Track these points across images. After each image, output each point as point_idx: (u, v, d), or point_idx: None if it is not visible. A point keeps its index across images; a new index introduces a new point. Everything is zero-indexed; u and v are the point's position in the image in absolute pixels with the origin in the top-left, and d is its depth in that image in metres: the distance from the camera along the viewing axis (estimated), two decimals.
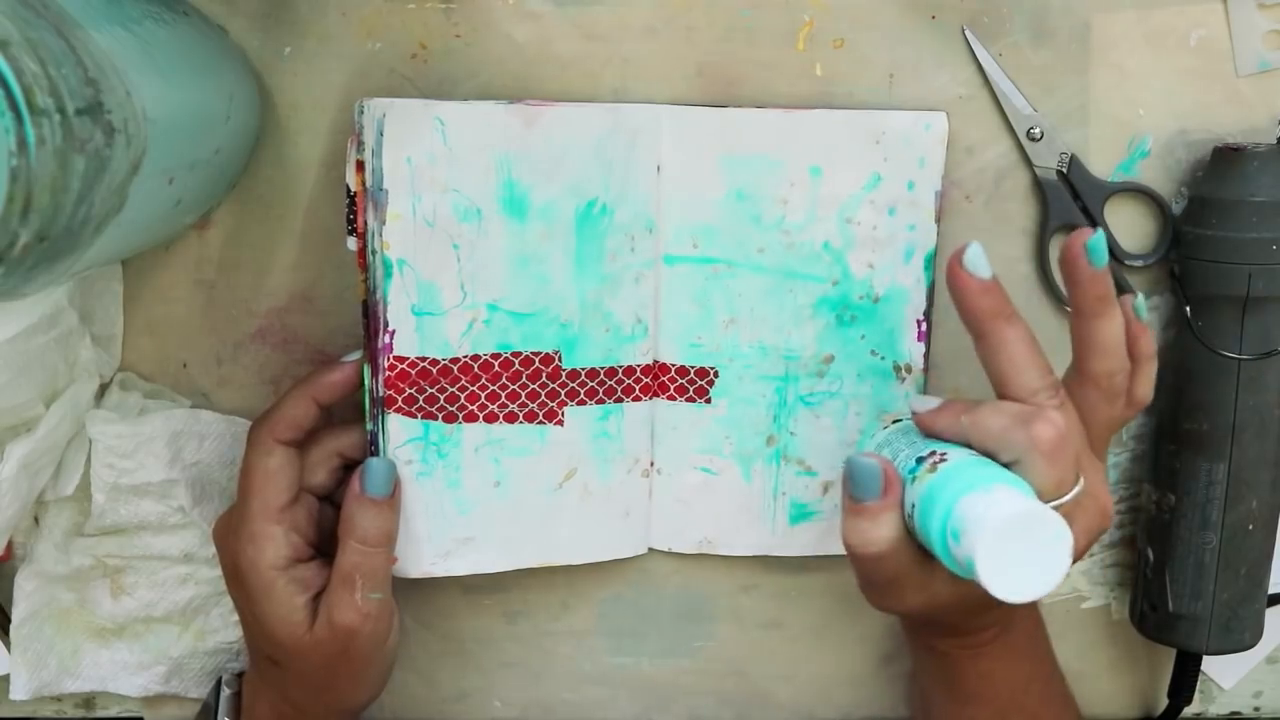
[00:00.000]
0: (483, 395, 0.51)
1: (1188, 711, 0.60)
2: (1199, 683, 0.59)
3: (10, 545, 0.55)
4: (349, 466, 0.52)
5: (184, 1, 0.48)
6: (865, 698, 0.61)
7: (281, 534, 0.48)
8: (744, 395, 0.54)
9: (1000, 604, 0.39)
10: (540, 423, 0.52)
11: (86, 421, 0.52)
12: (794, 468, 0.55)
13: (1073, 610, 0.60)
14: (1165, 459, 0.54)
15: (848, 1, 0.52)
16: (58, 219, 0.33)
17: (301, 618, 0.48)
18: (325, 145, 0.52)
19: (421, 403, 0.50)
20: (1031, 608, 0.53)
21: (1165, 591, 0.54)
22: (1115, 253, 0.54)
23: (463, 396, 0.50)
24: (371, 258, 0.48)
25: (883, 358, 0.54)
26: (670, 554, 0.57)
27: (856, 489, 0.44)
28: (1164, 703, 0.59)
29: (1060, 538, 0.39)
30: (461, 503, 0.51)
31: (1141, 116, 0.54)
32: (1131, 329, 0.46)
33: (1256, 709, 0.62)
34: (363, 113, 0.47)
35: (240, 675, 0.55)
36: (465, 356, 0.50)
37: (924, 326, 0.54)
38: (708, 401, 0.54)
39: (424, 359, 0.49)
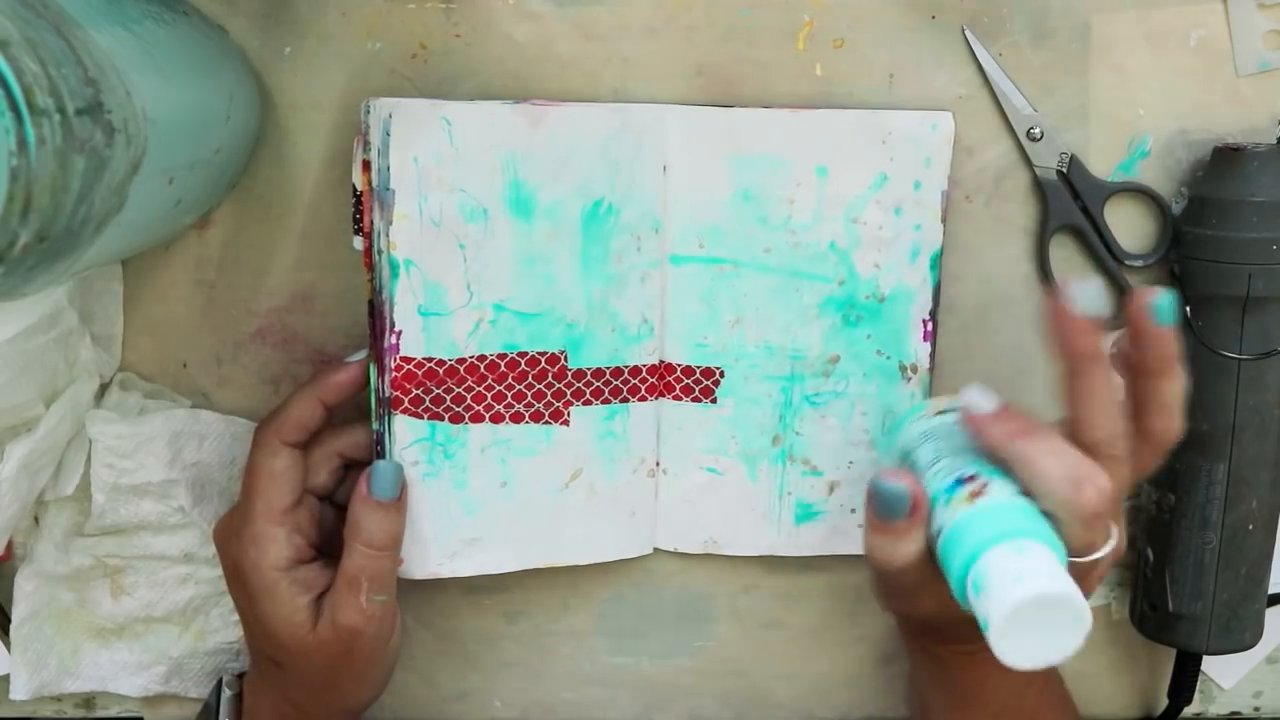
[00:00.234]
0: (489, 395, 0.51)
1: (1188, 711, 0.60)
2: (1199, 683, 0.59)
3: (10, 545, 0.55)
4: (349, 466, 0.52)
5: (184, 1, 0.48)
6: (865, 698, 0.61)
7: (284, 535, 0.48)
8: (750, 395, 0.54)
9: None
10: (546, 423, 0.52)
11: (86, 421, 0.52)
12: (800, 468, 0.55)
13: None
14: (1165, 459, 0.54)
15: (848, 1, 0.52)
16: (58, 219, 0.33)
17: (304, 618, 0.48)
18: (325, 145, 0.52)
19: (428, 403, 0.50)
20: None
21: (1165, 591, 0.54)
22: (1115, 253, 0.54)
23: (469, 397, 0.50)
24: (378, 257, 0.48)
25: (888, 358, 0.54)
26: (670, 554, 0.57)
27: (881, 510, 0.43)
28: (1164, 703, 0.59)
29: (1079, 619, 0.37)
30: (468, 503, 0.51)
31: (1141, 116, 0.54)
32: (1152, 336, 0.43)
33: (1256, 709, 0.62)
34: (369, 112, 0.47)
35: (241, 676, 0.55)
36: (471, 357, 0.50)
37: (930, 326, 0.54)
38: (713, 401, 0.54)
39: (430, 359, 0.49)
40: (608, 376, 0.52)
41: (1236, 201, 0.50)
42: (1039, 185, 0.54)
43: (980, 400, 0.43)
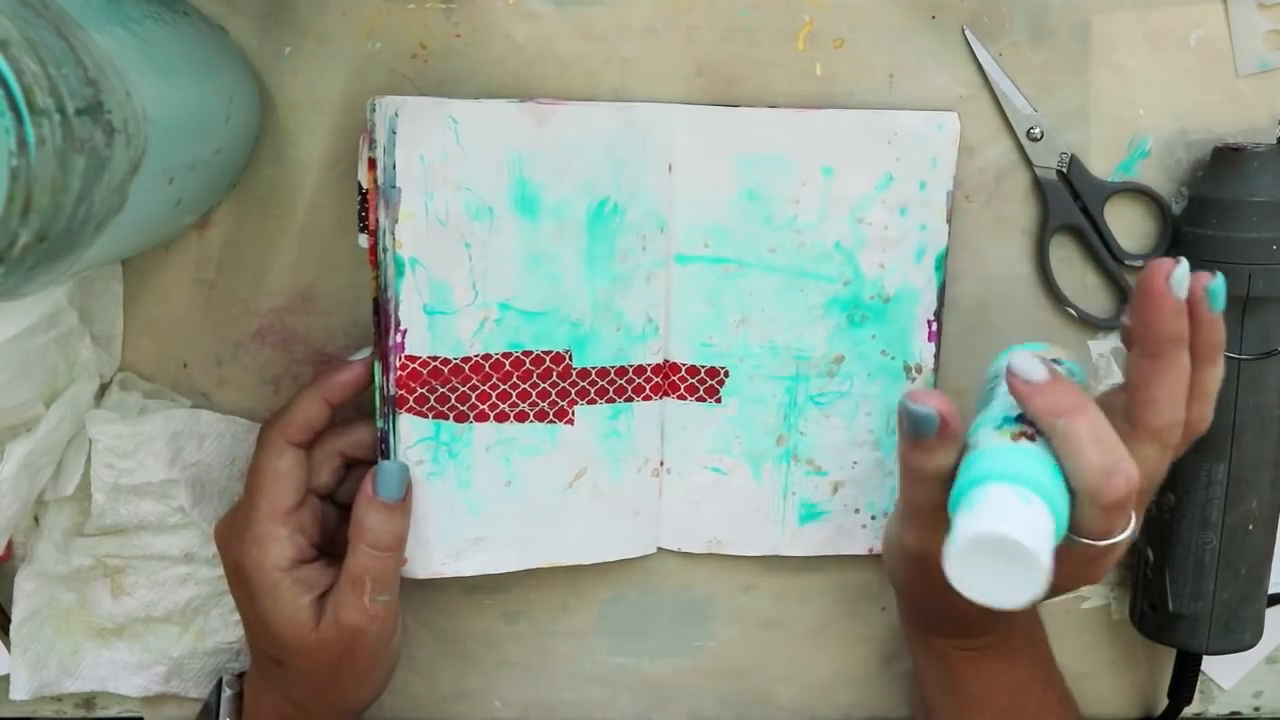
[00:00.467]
0: (494, 395, 0.51)
1: (1188, 711, 0.60)
2: (1199, 683, 0.59)
3: (10, 545, 0.55)
4: (350, 465, 0.52)
5: (184, 1, 0.48)
6: (865, 698, 0.61)
7: (287, 535, 0.48)
8: (754, 395, 0.54)
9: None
10: (551, 422, 0.52)
11: (86, 421, 0.52)
12: (804, 468, 0.55)
13: (1073, 610, 0.60)
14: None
15: (848, 1, 0.52)
16: (58, 219, 0.33)
17: (307, 617, 0.48)
18: (325, 145, 0.52)
19: (433, 402, 0.50)
20: (1031, 610, 0.53)
21: (1165, 591, 0.54)
22: (1115, 253, 0.54)
23: (474, 396, 0.50)
24: (383, 255, 0.48)
25: (893, 358, 0.54)
26: (670, 554, 0.57)
27: (911, 429, 0.42)
28: (1164, 703, 0.59)
29: (1034, 582, 0.37)
30: (472, 502, 0.51)
31: (1141, 116, 0.54)
32: (1204, 321, 0.41)
33: (1256, 709, 0.62)
34: (374, 110, 0.47)
35: (241, 675, 0.55)
36: (476, 356, 0.50)
37: (934, 327, 0.54)
38: (718, 401, 0.54)
39: (435, 358, 0.49)
40: (612, 376, 0.52)
41: (1236, 201, 0.50)
42: (1039, 185, 0.54)
43: (1029, 367, 0.42)
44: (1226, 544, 0.53)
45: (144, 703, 0.59)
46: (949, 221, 0.53)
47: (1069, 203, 0.54)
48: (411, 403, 0.49)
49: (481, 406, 0.50)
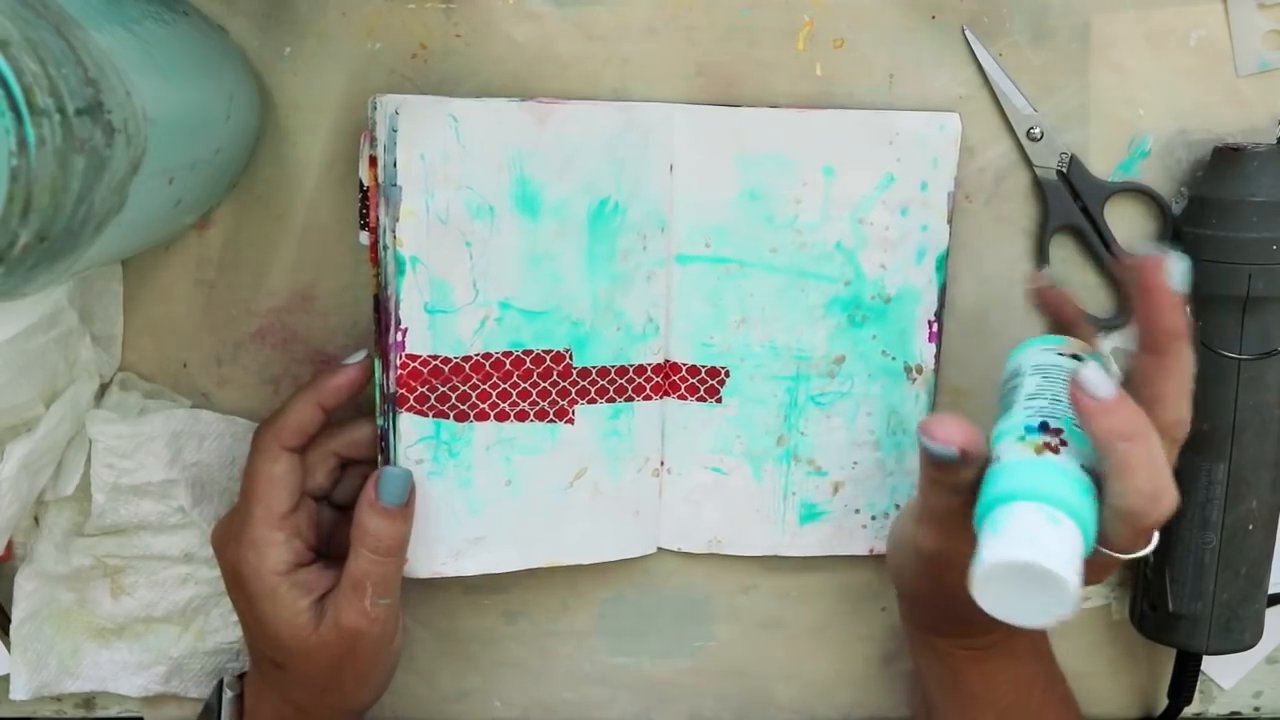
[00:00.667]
0: (494, 394, 0.51)
1: (1188, 711, 0.60)
2: (1199, 683, 0.59)
3: (10, 545, 0.55)
4: (345, 465, 0.52)
5: (184, 1, 0.48)
6: (866, 697, 0.61)
7: (284, 540, 0.48)
8: (755, 395, 0.54)
9: None
10: (551, 421, 0.52)
11: (86, 421, 0.52)
12: (804, 468, 0.55)
13: None
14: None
15: (848, 1, 0.52)
16: (58, 219, 0.33)
17: (306, 620, 0.48)
18: (325, 145, 0.52)
19: (433, 401, 0.50)
20: None
21: (1165, 591, 0.54)
22: (1115, 253, 0.54)
23: (474, 395, 0.50)
24: (383, 253, 0.48)
25: (894, 358, 0.54)
26: (670, 554, 0.57)
27: (932, 458, 0.41)
28: (1164, 703, 0.59)
29: (1063, 605, 0.37)
30: (472, 502, 0.51)
31: (1141, 116, 0.54)
32: (1164, 303, 0.40)
33: (1256, 709, 0.62)
34: (375, 108, 0.47)
35: (241, 677, 0.55)
36: (477, 355, 0.50)
37: (935, 327, 0.54)
38: (718, 401, 0.54)
39: (436, 357, 0.49)
40: (613, 375, 0.52)
41: (1236, 201, 0.50)
42: (1039, 185, 0.54)
43: (1098, 381, 0.40)
44: (1226, 544, 0.53)
45: (144, 703, 0.59)
46: (950, 222, 0.53)
47: (1069, 203, 0.54)
48: (412, 401, 0.49)
49: (482, 406, 0.50)
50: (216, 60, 0.47)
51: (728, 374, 0.54)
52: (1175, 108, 0.54)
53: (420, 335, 0.49)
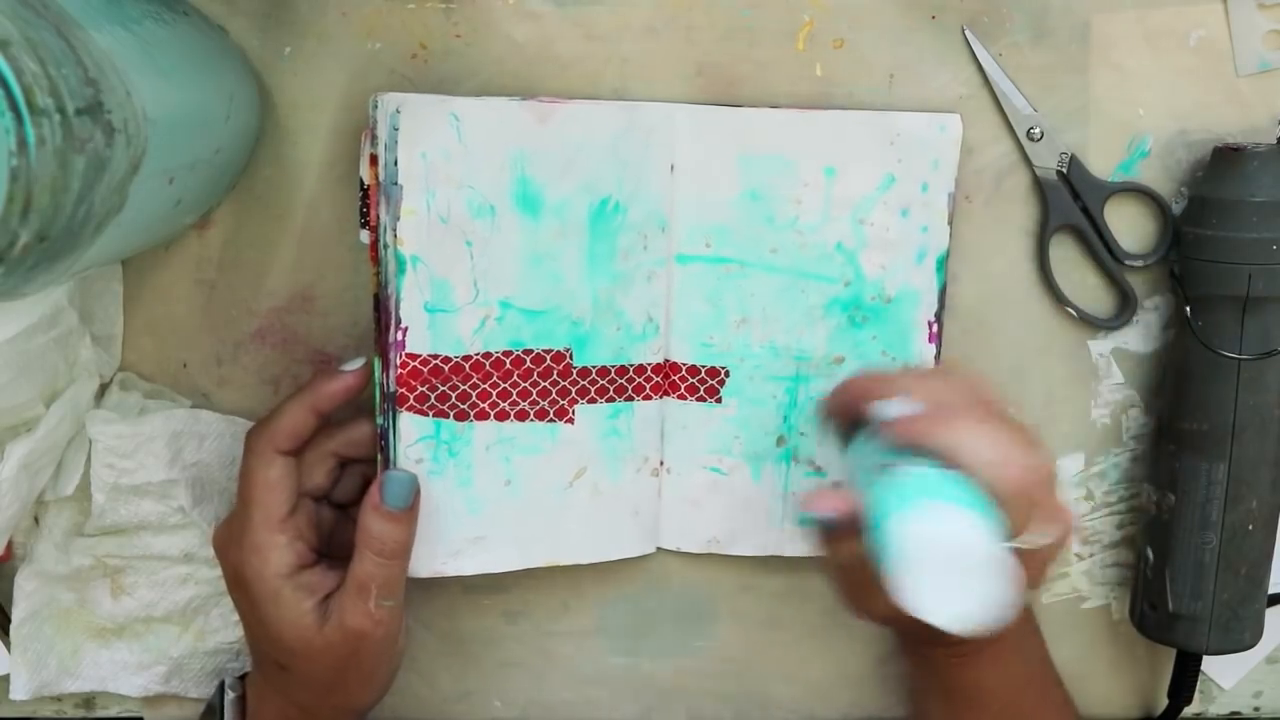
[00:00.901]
0: (494, 393, 0.51)
1: (1188, 711, 0.60)
2: (1199, 683, 0.59)
3: (10, 545, 0.55)
4: (344, 464, 0.52)
5: (184, 1, 0.48)
6: (865, 697, 0.61)
7: (285, 543, 0.48)
8: (754, 395, 0.54)
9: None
10: (551, 421, 0.52)
11: (86, 421, 0.52)
12: (803, 468, 0.55)
13: (1073, 610, 0.59)
14: (1165, 459, 0.54)
15: (848, 1, 0.52)
16: (58, 219, 0.33)
17: (310, 621, 0.48)
18: (325, 145, 0.52)
19: (433, 400, 0.50)
20: (1023, 612, 0.53)
21: (1165, 591, 0.54)
22: (1115, 253, 0.54)
23: (474, 394, 0.50)
24: (384, 252, 0.48)
25: (894, 359, 0.54)
26: (670, 554, 0.57)
27: (821, 530, 0.45)
28: (1164, 703, 0.59)
29: (997, 575, 0.37)
30: (472, 501, 0.51)
31: (1141, 116, 0.54)
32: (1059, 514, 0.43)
33: (1256, 709, 0.62)
34: (376, 107, 0.47)
35: (243, 678, 0.55)
36: (477, 354, 0.50)
37: (935, 328, 0.54)
38: (718, 401, 0.54)
39: (436, 356, 0.49)
40: (612, 375, 0.52)
41: (1236, 201, 0.50)
42: (1039, 185, 0.54)
43: (901, 406, 0.43)
44: (1226, 544, 0.53)
45: (144, 703, 0.59)
46: (950, 223, 0.53)
47: (1069, 203, 0.54)
48: (412, 401, 0.49)
49: (482, 405, 0.50)
50: (216, 60, 0.47)
51: (727, 374, 0.54)
52: (1175, 108, 0.54)
53: (420, 334, 0.49)
